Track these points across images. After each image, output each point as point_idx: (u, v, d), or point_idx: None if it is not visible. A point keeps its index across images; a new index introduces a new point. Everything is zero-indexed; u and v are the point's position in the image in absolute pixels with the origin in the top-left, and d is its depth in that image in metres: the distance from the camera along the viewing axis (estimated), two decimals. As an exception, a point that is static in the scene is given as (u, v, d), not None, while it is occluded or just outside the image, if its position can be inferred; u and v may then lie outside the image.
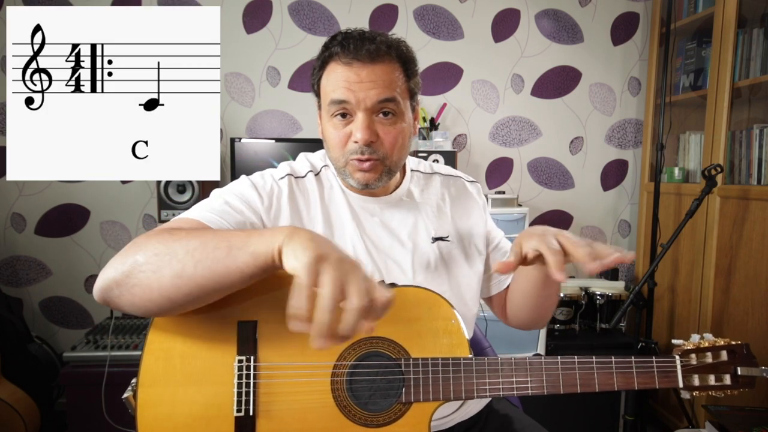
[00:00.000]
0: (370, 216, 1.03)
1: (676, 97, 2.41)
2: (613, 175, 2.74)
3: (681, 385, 0.91)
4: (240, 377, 0.86)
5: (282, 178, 1.01)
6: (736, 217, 2.00)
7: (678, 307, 2.33)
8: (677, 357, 0.92)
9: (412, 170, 1.11)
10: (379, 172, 0.97)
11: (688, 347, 0.94)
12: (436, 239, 1.05)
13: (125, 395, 0.89)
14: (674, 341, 0.96)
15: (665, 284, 2.39)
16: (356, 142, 0.94)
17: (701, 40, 2.30)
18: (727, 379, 0.93)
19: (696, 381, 0.92)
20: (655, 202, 2.24)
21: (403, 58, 0.97)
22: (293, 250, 0.69)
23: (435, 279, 1.01)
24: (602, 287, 2.41)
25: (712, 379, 0.93)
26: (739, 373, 0.92)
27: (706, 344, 0.94)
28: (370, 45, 0.93)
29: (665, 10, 2.42)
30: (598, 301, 2.35)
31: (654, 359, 0.91)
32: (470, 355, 0.90)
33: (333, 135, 0.97)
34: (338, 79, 0.94)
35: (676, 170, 2.39)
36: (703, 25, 2.28)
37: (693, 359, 0.93)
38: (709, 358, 0.93)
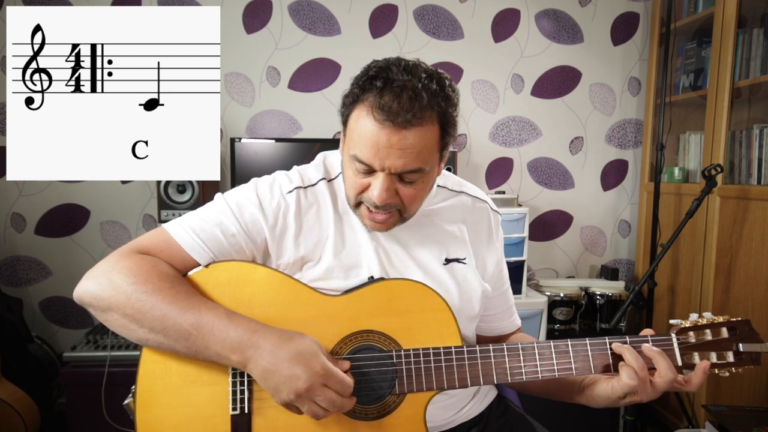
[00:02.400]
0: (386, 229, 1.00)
1: (676, 97, 2.41)
2: (613, 175, 2.74)
3: (679, 363, 0.90)
4: (234, 376, 0.87)
5: (290, 192, 0.98)
6: (735, 217, 2.00)
7: (678, 307, 2.33)
8: (674, 335, 0.92)
9: (438, 186, 1.07)
10: (391, 224, 0.95)
11: (686, 325, 0.93)
12: (450, 261, 1.02)
13: (126, 401, 0.91)
14: (671, 321, 0.95)
15: (665, 284, 2.39)
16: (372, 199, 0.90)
17: (701, 40, 2.30)
18: (730, 357, 0.91)
19: (696, 359, 0.91)
20: (655, 202, 2.24)
21: (444, 120, 0.88)
22: (264, 384, 0.83)
23: (448, 302, 0.95)
24: (602, 287, 2.41)
25: (713, 357, 0.91)
26: (742, 349, 0.91)
27: (705, 322, 0.92)
28: (410, 109, 0.82)
29: (665, 10, 2.42)
30: (598, 301, 2.35)
31: (649, 338, 0.91)
32: (461, 344, 0.90)
33: (350, 178, 0.92)
34: (366, 137, 0.85)
35: (676, 170, 2.39)
36: (703, 25, 2.28)
37: (691, 337, 0.92)
38: (708, 336, 0.91)
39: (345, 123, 0.92)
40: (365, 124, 0.85)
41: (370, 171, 0.88)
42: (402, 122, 0.83)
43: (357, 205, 0.95)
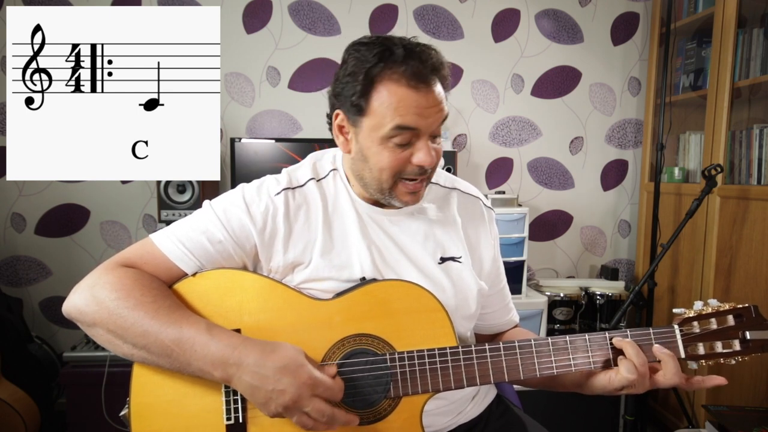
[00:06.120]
0: (378, 227, 1.00)
1: (676, 97, 2.41)
2: (613, 175, 2.74)
3: (683, 355, 0.88)
4: (227, 386, 0.86)
5: (278, 193, 0.96)
6: (735, 217, 2.00)
7: (678, 307, 2.32)
8: (676, 326, 0.89)
9: (431, 183, 1.06)
10: (423, 192, 0.98)
11: (690, 315, 0.90)
12: (445, 259, 1.01)
13: (122, 412, 0.91)
14: (675, 310, 0.92)
15: (665, 284, 2.38)
16: (420, 166, 0.91)
17: (701, 40, 2.30)
18: (737, 345, 0.88)
19: (701, 350, 0.88)
20: (655, 202, 2.24)
21: (446, 76, 0.94)
22: (251, 399, 0.82)
23: (444, 301, 0.94)
24: (602, 287, 2.41)
25: (719, 347, 0.88)
26: (749, 337, 0.87)
27: (709, 310, 0.89)
28: (434, 66, 0.89)
29: (665, 10, 2.42)
30: (598, 301, 2.35)
31: (651, 330, 0.89)
32: (456, 345, 0.90)
33: (388, 159, 0.90)
34: (408, 105, 0.87)
35: (676, 170, 2.39)
36: (703, 25, 2.28)
37: (695, 327, 0.89)
38: (713, 325, 0.88)
39: (361, 109, 0.90)
40: (397, 93, 0.87)
41: (408, 142, 0.90)
42: (432, 80, 0.89)
43: (393, 185, 0.93)
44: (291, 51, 2.50)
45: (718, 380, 0.86)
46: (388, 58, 0.88)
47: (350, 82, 0.90)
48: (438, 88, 0.91)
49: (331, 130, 1.00)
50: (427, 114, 0.89)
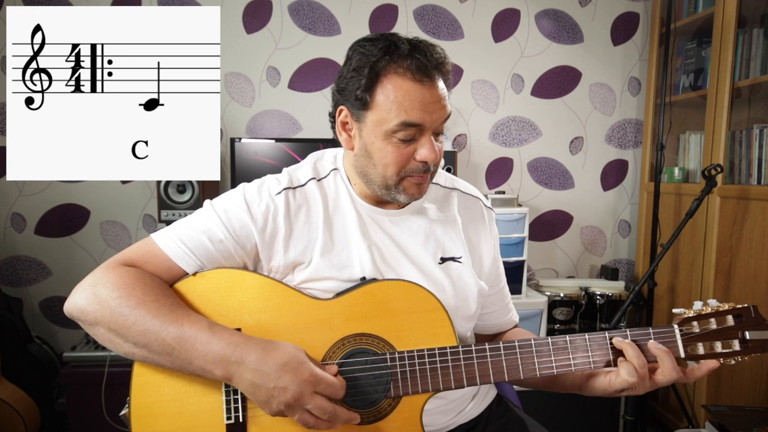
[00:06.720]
0: (379, 227, 1.00)
1: (676, 97, 2.41)
2: (613, 175, 2.74)
3: (682, 354, 0.89)
4: (227, 385, 0.87)
5: (279, 193, 0.96)
6: (735, 217, 2.00)
7: (678, 307, 2.32)
8: (676, 326, 0.90)
9: (431, 183, 1.05)
10: (427, 186, 0.98)
11: (689, 315, 0.90)
12: (446, 259, 1.01)
13: (123, 412, 0.91)
14: (674, 310, 0.93)
15: (665, 284, 2.38)
16: (424, 162, 0.91)
17: (701, 40, 2.30)
18: (736, 345, 0.88)
19: (701, 349, 0.89)
20: (655, 202, 2.24)
21: (449, 73, 0.94)
22: (252, 397, 0.82)
23: (444, 301, 0.94)
24: (602, 287, 2.41)
25: (718, 347, 0.89)
26: (748, 337, 0.88)
27: (709, 310, 0.90)
28: (438, 60, 0.90)
29: (665, 10, 2.42)
30: (598, 301, 2.35)
31: (651, 330, 0.89)
32: (457, 344, 0.90)
33: (392, 154, 0.91)
34: (413, 99, 0.88)
35: (676, 170, 2.39)
36: (703, 25, 2.28)
37: (695, 327, 0.89)
38: (713, 325, 0.89)
39: (366, 103, 0.90)
40: (407, 87, 0.88)
41: (412, 138, 0.91)
42: (436, 75, 0.90)
43: (398, 182, 0.94)
44: (291, 51, 2.50)
45: (711, 364, 0.87)
46: (394, 53, 0.88)
47: (355, 77, 0.90)
48: (441, 84, 0.91)
49: (333, 128, 1.00)
50: (432, 109, 0.89)
